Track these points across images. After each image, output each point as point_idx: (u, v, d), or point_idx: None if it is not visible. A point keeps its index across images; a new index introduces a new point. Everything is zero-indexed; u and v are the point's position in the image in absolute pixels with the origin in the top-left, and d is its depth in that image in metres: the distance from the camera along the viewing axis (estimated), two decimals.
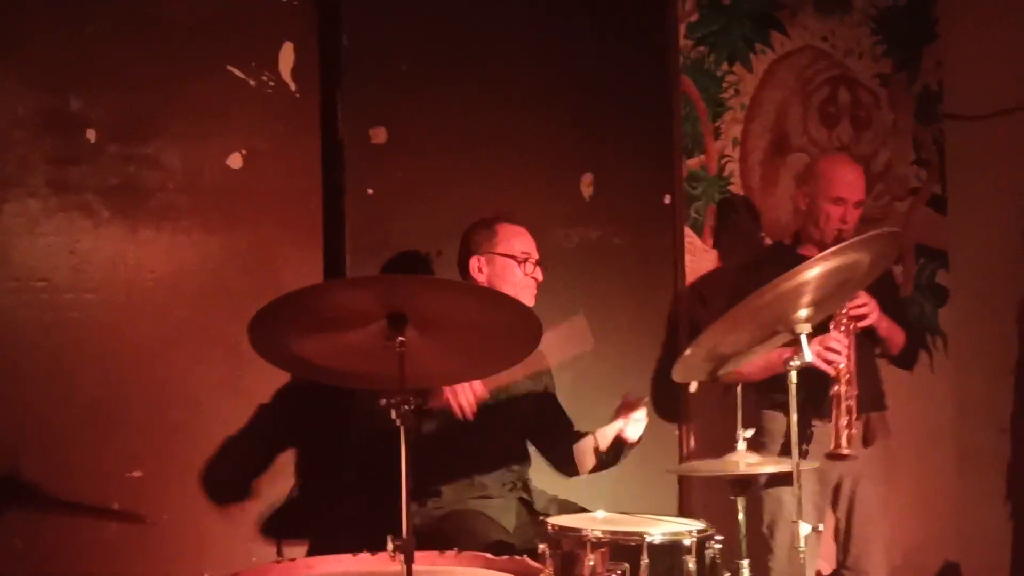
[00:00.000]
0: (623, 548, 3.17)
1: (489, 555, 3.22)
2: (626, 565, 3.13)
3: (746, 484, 3.72)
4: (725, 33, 5.39)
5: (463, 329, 3.03)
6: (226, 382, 4.31)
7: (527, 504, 4.08)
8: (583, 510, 3.82)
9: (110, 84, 4.26)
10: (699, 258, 5.28)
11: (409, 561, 2.75)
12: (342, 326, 2.90)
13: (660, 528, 3.30)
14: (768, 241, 5.32)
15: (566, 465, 4.21)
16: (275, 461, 4.41)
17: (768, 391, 4.46)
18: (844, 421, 4.34)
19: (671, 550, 3.22)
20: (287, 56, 4.48)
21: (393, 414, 2.82)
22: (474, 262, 4.14)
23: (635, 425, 4.01)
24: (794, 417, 3.48)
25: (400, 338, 2.86)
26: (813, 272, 3.31)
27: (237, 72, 4.42)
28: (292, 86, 4.49)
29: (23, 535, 4.07)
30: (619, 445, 4.05)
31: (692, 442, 5.10)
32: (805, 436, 4.43)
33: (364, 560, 3.17)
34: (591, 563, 3.13)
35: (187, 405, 4.29)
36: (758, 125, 5.49)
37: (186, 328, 4.31)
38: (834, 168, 4.65)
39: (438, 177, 4.66)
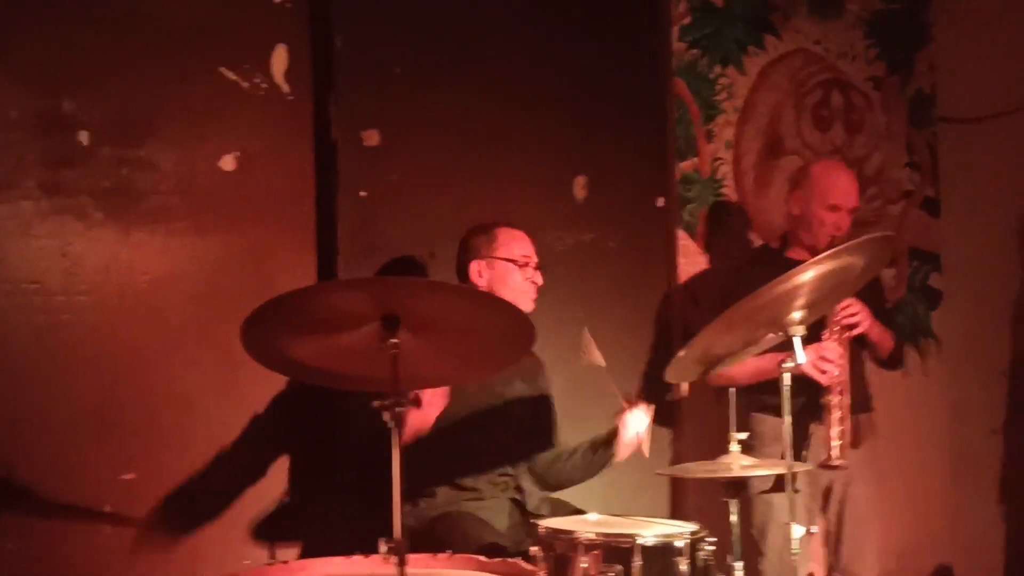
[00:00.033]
0: (616, 550, 3.17)
1: (482, 558, 3.21)
2: (619, 567, 3.13)
3: (739, 486, 3.72)
4: (718, 36, 5.39)
5: (456, 332, 3.03)
6: (219, 385, 4.31)
7: (519, 505, 4.08)
8: (576, 511, 3.82)
9: (103, 86, 4.25)
10: (692, 260, 5.28)
11: (402, 564, 2.75)
12: (335, 328, 2.90)
13: (653, 530, 3.30)
14: (759, 243, 5.32)
15: (542, 478, 4.21)
16: (268, 464, 4.41)
17: (757, 394, 4.46)
18: (836, 431, 4.35)
19: (664, 552, 3.21)
20: (280, 58, 4.48)
21: (386, 416, 2.82)
22: (474, 266, 4.13)
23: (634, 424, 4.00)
24: (787, 419, 3.49)
25: (393, 340, 2.86)
26: (808, 275, 3.33)
27: (230, 74, 4.41)
28: (285, 88, 4.49)
29: (15, 537, 4.06)
30: (607, 447, 4.05)
31: (684, 445, 5.10)
32: (804, 441, 4.43)
33: (357, 563, 3.16)
34: (584, 565, 3.13)
35: (180, 407, 4.28)
36: (751, 128, 5.49)
37: (179, 331, 4.31)
38: (829, 175, 4.66)
39: (431, 179, 4.66)
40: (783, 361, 3.49)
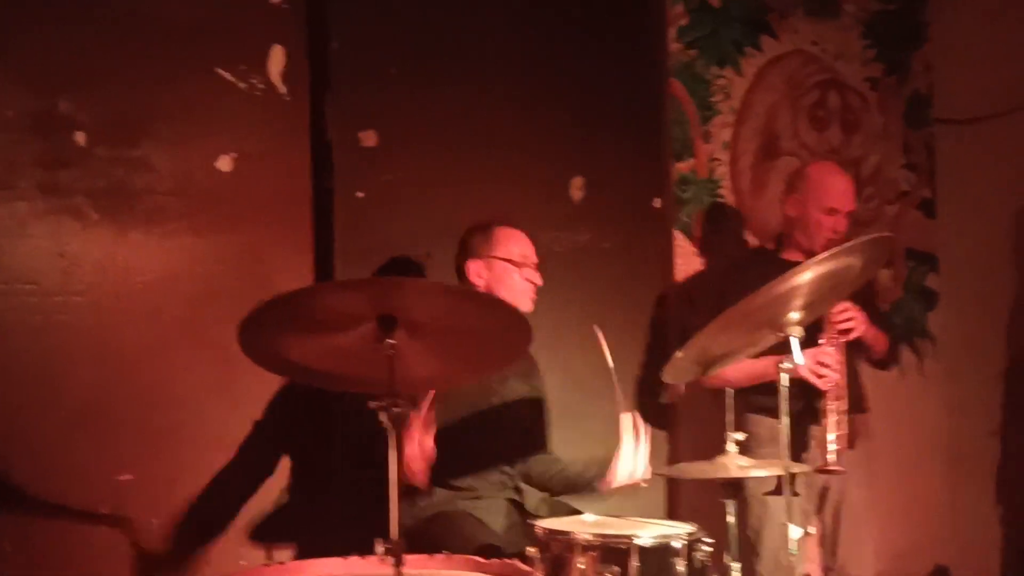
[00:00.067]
0: (613, 551, 3.16)
1: (479, 558, 3.21)
2: (616, 568, 3.12)
3: (736, 487, 3.72)
4: (715, 36, 5.39)
5: (453, 333, 3.02)
6: (216, 385, 4.30)
7: (517, 505, 4.07)
8: (573, 511, 3.82)
9: (99, 87, 4.25)
10: (689, 262, 5.28)
11: (399, 564, 2.74)
12: (332, 329, 2.90)
13: (650, 531, 3.30)
14: (755, 244, 5.32)
15: (532, 480, 4.22)
16: (265, 464, 4.40)
17: (753, 395, 4.45)
18: (834, 436, 4.35)
19: (661, 553, 3.21)
20: (277, 59, 4.47)
21: (382, 416, 2.82)
22: (472, 266, 4.12)
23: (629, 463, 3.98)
24: (785, 420, 3.49)
25: (390, 341, 2.85)
26: (806, 276, 3.33)
27: (226, 75, 4.41)
28: (282, 89, 4.48)
29: (11, 538, 4.06)
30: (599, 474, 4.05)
31: (680, 446, 5.10)
32: (804, 445, 4.43)
33: (354, 563, 3.16)
34: (581, 566, 3.13)
35: (177, 408, 4.28)
36: (748, 129, 5.49)
37: (176, 331, 4.30)
38: (826, 178, 4.64)
39: (428, 180, 4.66)
40: (781, 362, 3.49)
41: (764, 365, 4.10)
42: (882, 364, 4.89)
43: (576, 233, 4.96)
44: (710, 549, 3.31)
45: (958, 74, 5.82)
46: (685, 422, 5.12)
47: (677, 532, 3.29)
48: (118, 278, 4.25)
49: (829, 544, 4.72)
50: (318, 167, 4.54)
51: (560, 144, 4.94)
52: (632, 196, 5.13)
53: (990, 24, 5.70)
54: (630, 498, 4.00)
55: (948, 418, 5.81)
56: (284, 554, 4.27)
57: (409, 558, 2.87)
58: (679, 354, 3.56)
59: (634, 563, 3.13)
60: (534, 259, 4.14)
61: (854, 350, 4.64)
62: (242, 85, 4.43)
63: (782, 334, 3.46)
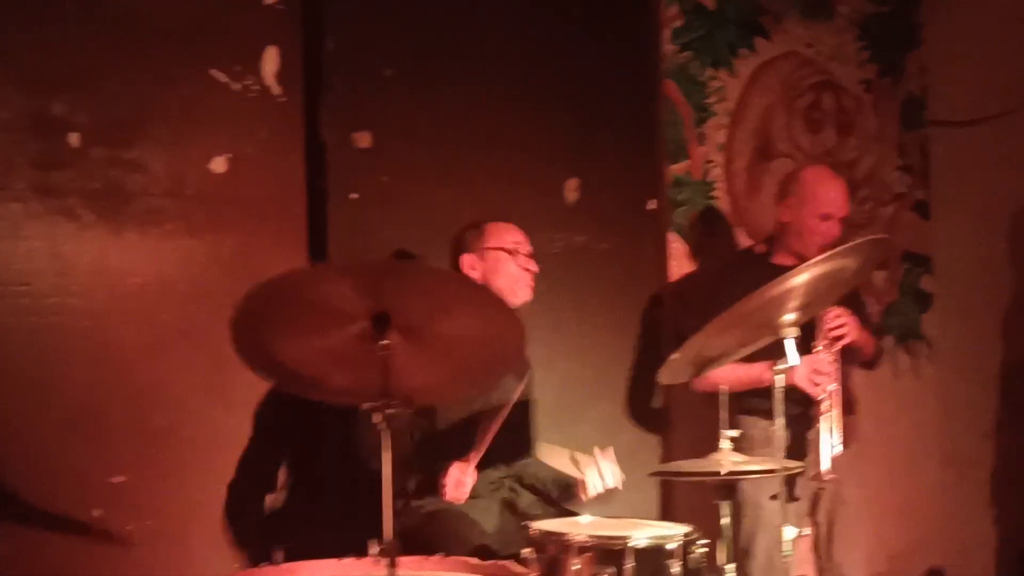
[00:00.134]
0: (608, 552, 3.16)
1: (474, 559, 3.21)
2: (611, 569, 3.12)
3: (730, 488, 3.72)
4: (709, 38, 5.39)
5: (448, 337, 2.99)
6: (210, 387, 4.29)
7: (511, 506, 4.07)
8: (567, 511, 3.83)
9: (93, 88, 4.24)
10: (683, 263, 5.28)
11: (393, 565, 2.74)
12: (324, 326, 2.87)
13: (645, 532, 3.30)
14: (748, 246, 5.32)
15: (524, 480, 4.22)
16: (259, 466, 4.40)
17: (746, 396, 4.45)
18: (828, 443, 4.35)
19: (656, 554, 3.21)
20: (271, 60, 4.47)
21: (376, 418, 2.81)
22: (466, 260, 4.12)
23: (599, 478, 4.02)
24: (779, 421, 3.49)
25: (384, 341, 2.84)
26: (802, 278, 3.34)
27: (221, 76, 4.40)
28: (276, 90, 4.48)
29: (3, 540, 4.05)
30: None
31: (674, 449, 5.09)
32: (798, 448, 4.43)
33: (349, 565, 3.15)
34: (576, 567, 3.13)
35: (170, 410, 4.27)
36: (743, 130, 5.49)
37: (170, 333, 4.30)
38: (820, 183, 4.62)
39: (422, 181, 4.66)
40: (775, 364, 3.50)
41: (758, 371, 4.11)
42: (869, 365, 4.89)
43: (571, 235, 4.96)
44: (705, 550, 3.31)
45: (952, 76, 5.83)
46: (678, 425, 5.12)
47: (672, 533, 3.29)
48: (112, 279, 4.24)
49: (823, 546, 4.71)
50: (312, 168, 4.54)
51: (555, 146, 4.94)
52: (627, 198, 5.13)
53: (984, 26, 5.71)
54: (613, 501, 4.02)
55: (943, 419, 5.82)
56: (279, 555, 4.26)
57: (403, 559, 2.86)
58: (675, 356, 3.56)
59: (629, 564, 3.13)
60: (528, 248, 4.14)
61: (843, 353, 4.64)
62: (236, 86, 4.43)
63: (778, 335, 3.47)
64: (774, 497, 3.99)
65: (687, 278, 5.26)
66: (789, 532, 3.49)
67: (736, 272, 4.60)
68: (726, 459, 3.59)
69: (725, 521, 3.65)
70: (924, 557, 5.76)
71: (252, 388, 4.30)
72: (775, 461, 3.52)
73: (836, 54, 5.72)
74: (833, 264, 3.39)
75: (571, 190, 4.98)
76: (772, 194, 5.18)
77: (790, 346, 3.46)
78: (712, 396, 3.80)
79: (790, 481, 4.19)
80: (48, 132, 4.18)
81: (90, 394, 4.19)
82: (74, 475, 4.14)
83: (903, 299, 5.81)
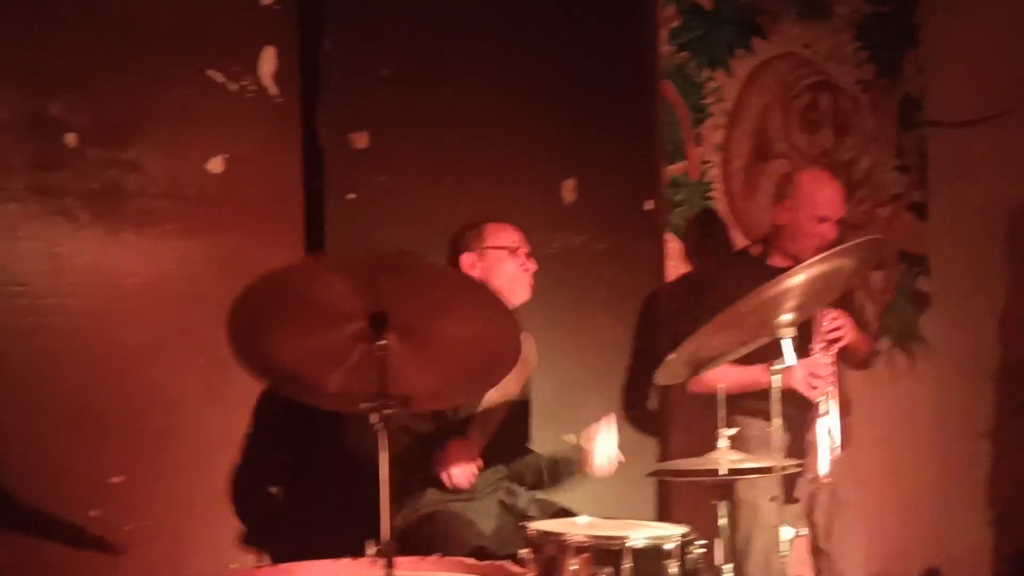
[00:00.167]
0: (606, 553, 3.16)
1: (471, 560, 3.21)
2: (609, 570, 3.12)
3: (728, 488, 3.72)
4: (707, 38, 5.39)
5: (445, 340, 2.98)
6: (207, 387, 4.29)
7: (508, 507, 4.06)
8: (563, 511, 3.83)
9: (90, 88, 4.23)
10: (681, 264, 5.28)
11: (390, 566, 2.74)
12: (320, 324, 2.86)
13: (643, 532, 3.30)
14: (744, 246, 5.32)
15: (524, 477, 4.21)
16: (256, 466, 4.39)
17: (742, 398, 4.45)
18: (825, 446, 4.35)
19: (654, 555, 3.21)
20: (268, 60, 4.46)
21: (373, 418, 2.81)
22: (465, 259, 4.11)
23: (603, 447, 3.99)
24: (776, 422, 3.50)
25: (381, 342, 2.83)
26: (799, 279, 3.35)
27: (218, 76, 4.40)
28: (273, 90, 4.47)
29: (0, 542, 4.04)
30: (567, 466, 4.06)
31: (671, 450, 5.09)
32: (795, 450, 4.43)
33: (345, 565, 3.15)
34: (573, 568, 3.13)
35: (168, 410, 4.27)
36: (740, 131, 5.50)
37: (167, 333, 4.29)
38: (816, 185, 4.62)
39: (420, 182, 4.66)
40: (772, 364, 3.50)
41: (754, 374, 4.11)
42: (861, 366, 4.90)
43: (568, 235, 4.95)
44: (702, 551, 3.31)
45: (950, 76, 5.84)
46: (675, 427, 5.11)
47: (670, 534, 3.29)
48: (109, 280, 4.23)
49: (820, 546, 4.72)
50: (309, 169, 4.53)
51: (552, 146, 4.93)
52: (624, 198, 5.13)
53: (982, 27, 5.72)
54: (622, 500, 4.02)
55: (940, 420, 5.82)
56: (275, 556, 4.26)
57: (400, 560, 2.86)
58: (672, 356, 3.57)
59: (626, 565, 3.13)
60: (526, 248, 4.14)
61: (837, 354, 4.64)
62: (233, 87, 4.42)
63: (774, 336, 3.48)
64: (774, 498, 4.00)
65: (684, 278, 5.26)
66: (786, 532, 3.49)
67: (733, 273, 4.61)
68: (724, 458, 3.60)
69: (722, 521, 3.65)
70: (921, 557, 5.76)
71: (249, 388, 4.30)
72: (773, 460, 3.52)
73: (833, 54, 5.72)
74: (829, 265, 3.39)
75: (568, 190, 4.98)
76: (769, 195, 5.19)
77: (787, 346, 3.47)
78: (708, 398, 3.81)
79: (789, 482, 4.20)
80: (45, 132, 4.17)
81: (87, 395, 4.18)
82: (71, 476, 4.14)
83: (900, 300, 5.82)
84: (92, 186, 4.22)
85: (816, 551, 4.73)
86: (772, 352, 3.54)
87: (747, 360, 3.96)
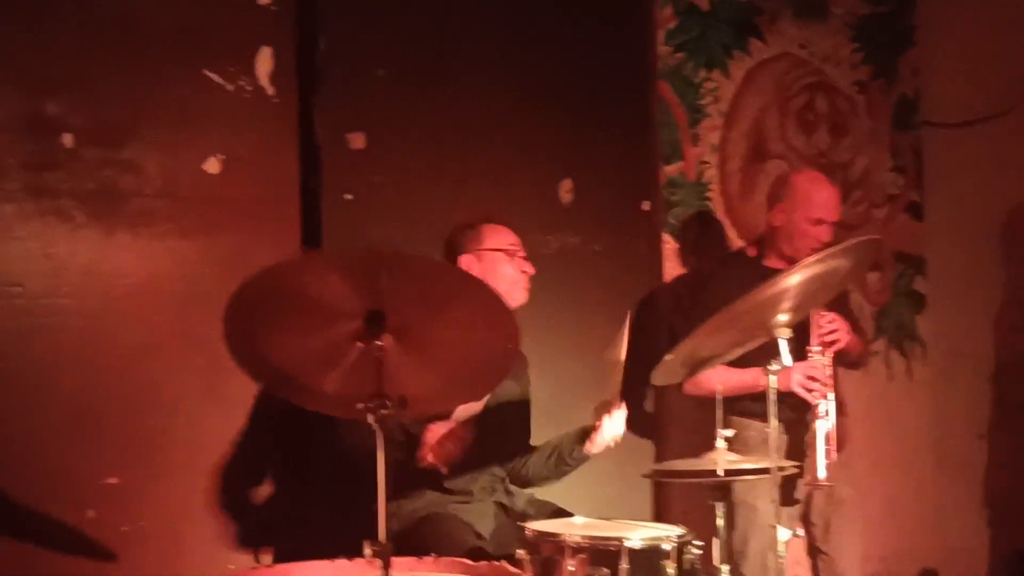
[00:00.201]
0: (603, 553, 3.16)
1: (468, 561, 3.20)
2: (606, 570, 3.12)
3: (725, 489, 3.72)
4: (703, 39, 5.39)
5: (443, 341, 2.97)
6: (203, 388, 4.29)
7: (505, 508, 4.06)
8: (560, 511, 3.82)
9: (87, 88, 4.23)
10: (678, 264, 5.28)
11: (386, 567, 2.73)
12: (318, 324, 2.85)
13: (640, 533, 3.29)
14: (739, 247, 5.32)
15: (516, 476, 4.21)
16: (253, 467, 4.39)
17: (739, 398, 4.45)
18: (823, 449, 4.35)
19: (651, 555, 3.21)
20: (265, 60, 4.46)
21: (370, 418, 2.80)
22: (463, 260, 4.08)
23: (615, 424, 3.98)
24: (774, 423, 3.50)
25: (378, 343, 2.83)
26: (795, 279, 3.35)
27: (214, 76, 4.40)
28: (270, 90, 4.47)
29: None
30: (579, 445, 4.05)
31: (668, 452, 5.09)
32: (794, 452, 4.43)
33: (341, 566, 3.14)
34: (571, 568, 3.12)
35: (164, 411, 4.26)
36: (736, 132, 5.50)
37: (163, 334, 4.29)
38: (812, 188, 4.62)
39: (417, 182, 4.66)
40: (769, 364, 3.50)
41: (751, 376, 4.11)
42: (855, 366, 4.90)
43: (565, 235, 4.96)
44: (699, 552, 3.31)
45: (946, 77, 5.84)
46: (672, 428, 5.11)
47: (667, 535, 3.29)
48: (105, 280, 4.23)
49: (816, 548, 4.72)
50: (306, 169, 4.53)
51: (549, 146, 4.94)
52: (621, 199, 5.13)
53: (977, 28, 5.72)
54: (619, 500, 4.01)
55: (936, 421, 5.82)
56: (271, 557, 4.26)
57: (397, 561, 2.85)
58: (668, 357, 3.57)
59: (624, 565, 3.13)
60: (523, 251, 4.13)
61: (833, 356, 4.64)
62: (230, 87, 4.42)
63: (770, 336, 3.48)
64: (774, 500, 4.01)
65: (680, 279, 5.26)
66: (783, 533, 3.49)
67: (729, 273, 4.61)
68: (721, 458, 3.60)
69: (720, 522, 3.65)
70: (918, 558, 5.76)
71: (246, 389, 4.29)
72: (770, 460, 3.52)
73: (829, 55, 5.72)
74: (825, 265, 3.39)
75: (565, 191, 4.98)
76: (766, 195, 5.19)
77: (783, 347, 3.47)
78: (704, 400, 3.81)
79: (788, 484, 4.20)
80: (41, 133, 4.17)
81: (84, 395, 4.18)
82: (68, 476, 4.13)
83: (896, 301, 5.81)
84: (89, 186, 4.22)
85: (813, 551, 4.73)
86: (770, 354, 3.53)
87: (743, 361, 3.95)
